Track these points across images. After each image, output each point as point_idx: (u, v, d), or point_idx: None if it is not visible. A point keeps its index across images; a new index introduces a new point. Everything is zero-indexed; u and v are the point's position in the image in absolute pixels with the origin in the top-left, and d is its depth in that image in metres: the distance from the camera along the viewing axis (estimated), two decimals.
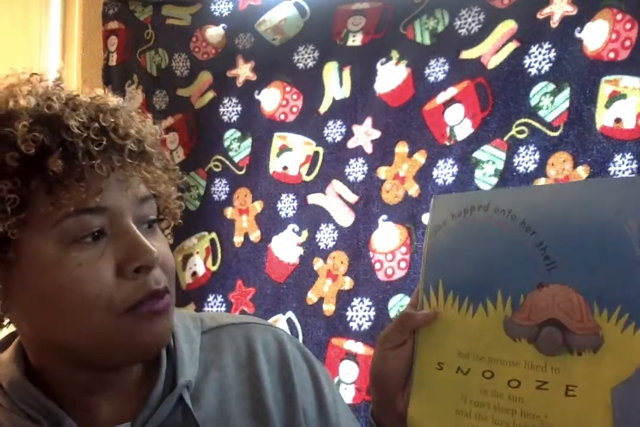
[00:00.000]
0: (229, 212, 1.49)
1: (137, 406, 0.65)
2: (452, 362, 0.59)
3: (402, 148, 1.30)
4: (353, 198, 1.35)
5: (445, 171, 1.25)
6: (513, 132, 1.20)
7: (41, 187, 0.57)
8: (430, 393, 0.60)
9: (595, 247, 0.52)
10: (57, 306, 0.59)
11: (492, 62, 1.22)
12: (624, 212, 0.51)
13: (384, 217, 1.31)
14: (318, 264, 1.37)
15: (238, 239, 1.47)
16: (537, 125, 1.17)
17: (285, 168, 1.44)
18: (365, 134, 1.35)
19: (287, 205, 1.42)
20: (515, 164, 1.19)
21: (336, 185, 1.37)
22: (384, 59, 1.33)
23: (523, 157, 1.18)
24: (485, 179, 1.22)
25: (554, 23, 1.16)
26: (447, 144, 1.26)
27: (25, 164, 0.56)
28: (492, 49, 1.22)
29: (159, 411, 0.64)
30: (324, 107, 1.39)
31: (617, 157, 1.09)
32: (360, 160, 1.35)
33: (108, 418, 0.65)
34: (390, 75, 1.32)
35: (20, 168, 0.56)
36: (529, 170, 1.17)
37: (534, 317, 0.54)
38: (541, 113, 1.17)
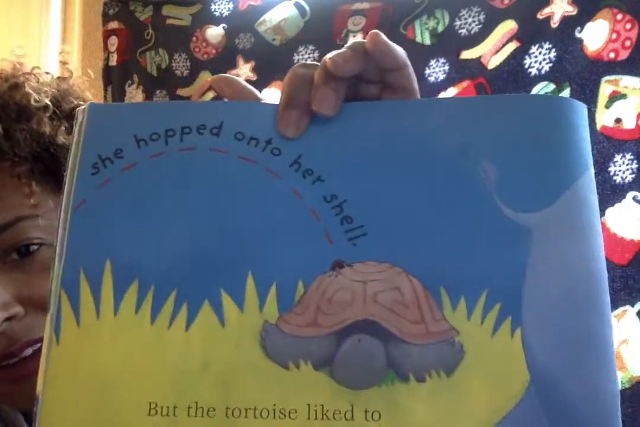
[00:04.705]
0: None
1: None
2: None
3: None
4: None
5: None
6: None
7: None
8: None
9: (432, 203, 0.32)
10: None
11: (492, 62, 1.22)
12: (473, 149, 0.33)
13: None
14: None
15: None
16: None
17: None
18: None
19: None
20: None
21: None
22: None
23: None
24: None
25: (554, 23, 1.16)
26: None
27: None
28: (492, 49, 1.22)
29: None
30: None
31: (617, 157, 1.09)
32: None
33: None
34: None
35: None
36: None
37: (328, 321, 0.31)
38: None
